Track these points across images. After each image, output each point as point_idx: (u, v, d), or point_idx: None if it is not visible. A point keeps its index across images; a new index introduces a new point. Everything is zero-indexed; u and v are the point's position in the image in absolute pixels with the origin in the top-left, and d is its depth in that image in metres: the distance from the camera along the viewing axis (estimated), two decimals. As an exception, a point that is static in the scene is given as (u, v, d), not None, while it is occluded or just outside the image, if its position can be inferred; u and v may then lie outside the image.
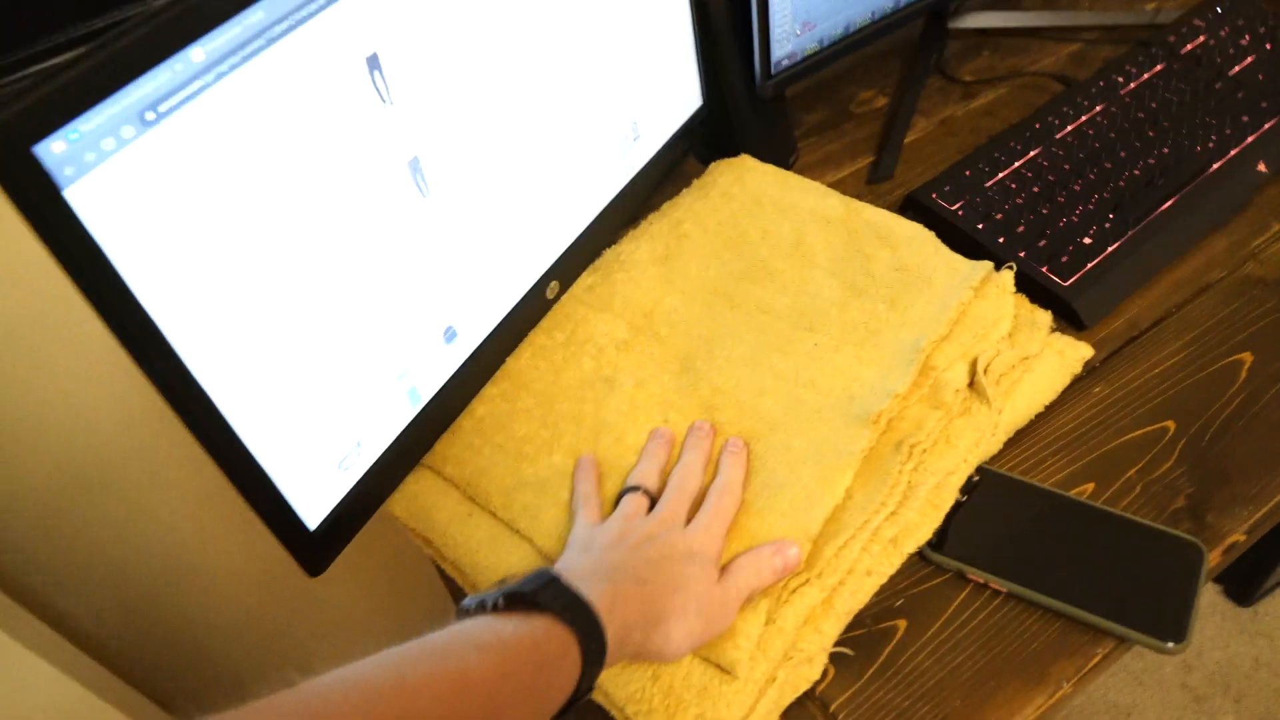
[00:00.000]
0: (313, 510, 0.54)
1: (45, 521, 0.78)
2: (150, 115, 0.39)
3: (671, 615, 0.48)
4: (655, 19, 0.71)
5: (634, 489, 0.57)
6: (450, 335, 0.61)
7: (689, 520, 0.55)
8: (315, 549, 0.55)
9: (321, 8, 0.45)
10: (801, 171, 0.83)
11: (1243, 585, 1.33)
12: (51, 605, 0.83)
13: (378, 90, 0.50)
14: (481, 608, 0.43)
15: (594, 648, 0.42)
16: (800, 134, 0.88)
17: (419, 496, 0.61)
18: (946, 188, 0.76)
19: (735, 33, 0.75)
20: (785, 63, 0.77)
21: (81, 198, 0.38)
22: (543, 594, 0.43)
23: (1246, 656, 1.28)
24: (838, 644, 0.55)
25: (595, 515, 0.56)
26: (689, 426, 0.61)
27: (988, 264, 0.66)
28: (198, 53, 0.40)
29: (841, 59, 0.82)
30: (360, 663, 0.37)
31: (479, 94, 0.57)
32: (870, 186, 0.82)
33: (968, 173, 0.77)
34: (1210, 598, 1.35)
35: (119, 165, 0.39)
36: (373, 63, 0.49)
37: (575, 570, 0.47)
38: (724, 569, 0.52)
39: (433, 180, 0.55)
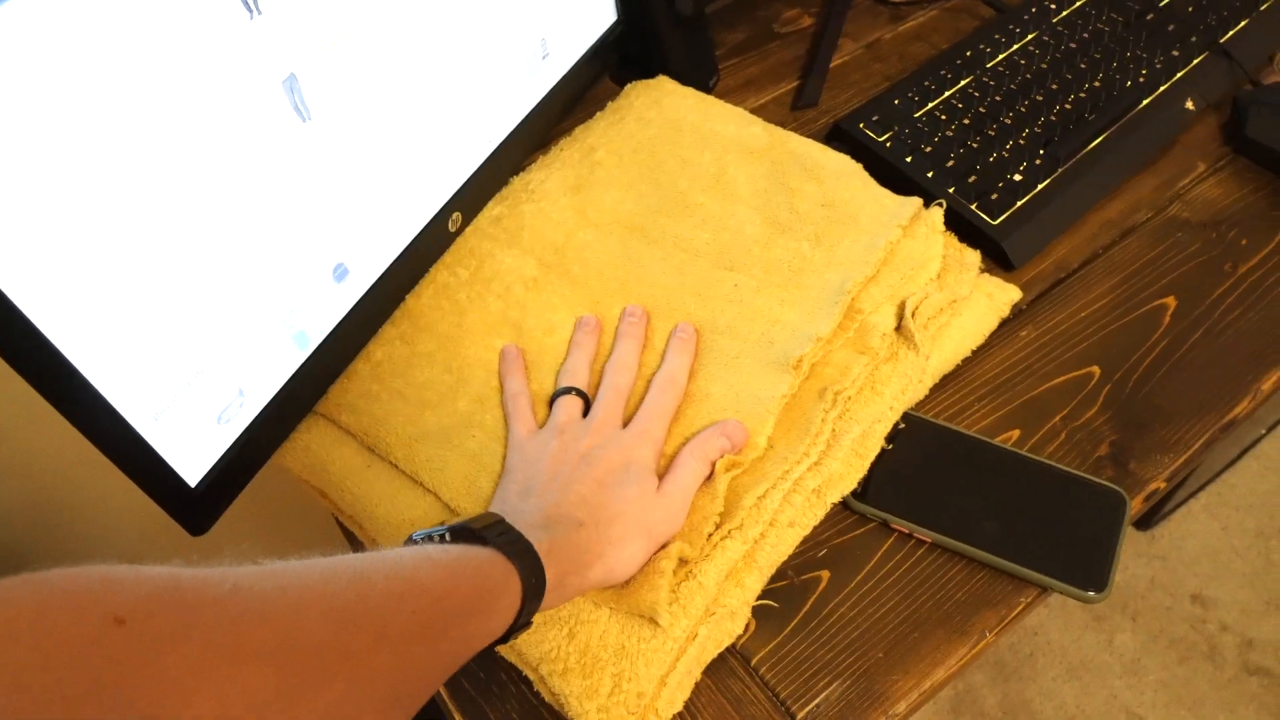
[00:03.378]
0: (192, 466, 0.49)
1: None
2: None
3: (610, 547, 0.47)
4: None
5: (566, 391, 0.55)
6: (341, 273, 0.55)
7: (627, 420, 0.53)
8: (197, 507, 0.50)
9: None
10: (722, 96, 0.78)
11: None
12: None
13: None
14: (429, 539, 0.43)
15: (534, 582, 0.42)
16: (721, 54, 0.82)
17: (312, 447, 0.56)
18: (875, 117, 0.72)
19: (655, -59, 0.69)
20: (707, -26, 0.71)
21: None
22: (488, 531, 0.43)
23: (1143, 578, 1.33)
24: (760, 597, 0.52)
25: (529, 419, 0.55)
26: (620, 312, 0.59)
27: (917, 200, 0.63)
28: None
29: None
30: (310, 560, 0.35)
31: (364, 2, 0.51)
32: (795, 113, 0.78)
33: (896, 101, 0.73)
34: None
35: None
36: (239, -42, 0.42)
37: (514, 517, 0.47)
38: (666, 470, 0.51)
39: (313, 102, 0.49)
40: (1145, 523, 1.36)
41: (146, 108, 0.40)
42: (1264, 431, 1.32)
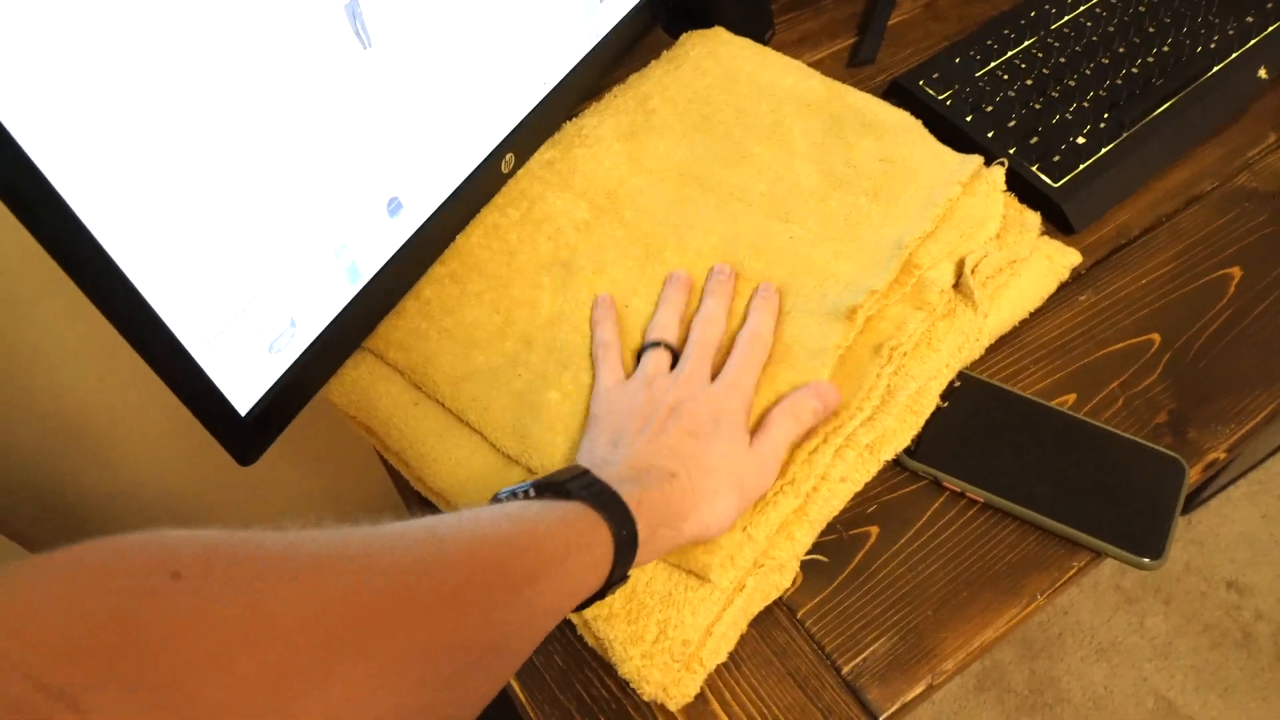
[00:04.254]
0: (243, 395, 0.49)
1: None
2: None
3: (704, 501, 0.46)
4: None
5: (655, 344, 0.54)
6: (395, 207, 0.54)
7: (715, 374, 0.52)
8: (246, 437, 0.50)
9: None
10: (777, 49, 0.77)
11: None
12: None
13: (314, -94, 0.42)
14: (513, 496, 0.42)
15: (625, 535, 0.41)
16: (776, 9, 0.81)
17: (360, 383, 0.56)
18: (935, 75, 0.70)
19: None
20: (771, -76, 0.69)
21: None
22: (574, 484, 0.42)
23: (1178, 561, 1.31)
24: (809, 551, 0.52)
25: (617, 369, 0.54)
26: (709, 270, 0.58)
27: (978, 158, 0.62)
28: None
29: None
30: (386, 524, 0.34)
31: (433, -74, 0.50)
32: (851, 71, 0.76)
33: (958, 60, 0.71)
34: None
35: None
36: None
37: (602, 468, 0.46)
38: (758, 427, 0.50)
39: (374, 29, 0.48)
40: (1184, 506, 1.34)
41: (207, 26, 0.40)
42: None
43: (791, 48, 0.78)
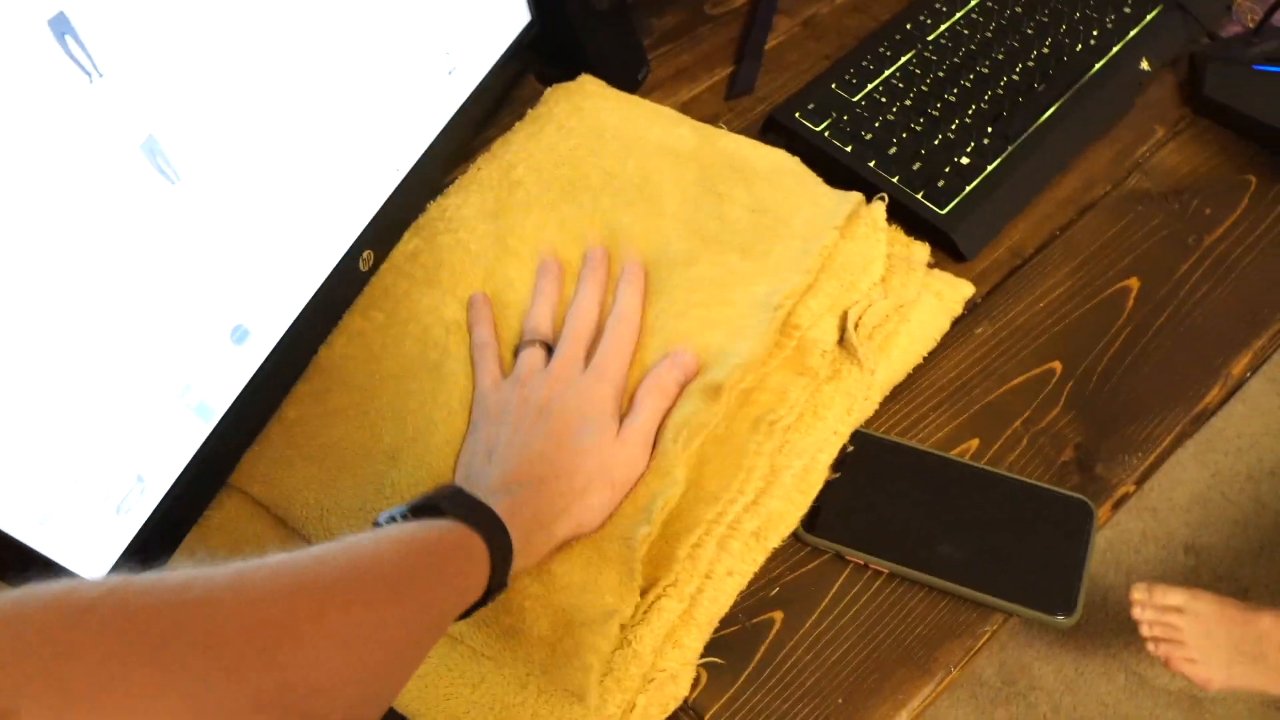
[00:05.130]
0: (90, 564, 0.46)
1: None
2: None
3: (575, 500, 0.48)
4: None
5: (530, 343, 0.55)
6: (241, 335, 0.51)
7: (589, 359, 0.54)
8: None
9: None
10: (653, 87, 0.74)
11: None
12: None
13: (75, 61, 0.39)
14: (391, 520, 0.44)
15: (499, 545, 0.43)
16: (651, 43, 0.78)
17: (225, 526, 0.53)
18: (810, 105, 0.67)
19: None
20: (622, -33, 0.66)
21: None
22: (445, 502, 0.43)
23: (1135, 531, 1.31)
24: (710, 643, 0.49)
25: (494, 370, 0.55)
26: (582, 254, 0.60)
27: (856, 195, 0.59)
28: None
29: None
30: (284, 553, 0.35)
31: (226, 42, 0.46)
32: (730, 103, 0.73)
33: (834, 85, 0.69)
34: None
35: None
36: (59, 25, 0.38)
37: (475, 481, 0.49)
38: (626, 412, 0.52)
39: (179, 163, 0.45)
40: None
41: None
42: (1249, 374, 1.29)
43: (668, 84, 0.75)
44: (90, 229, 0.41)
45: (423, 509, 0.43)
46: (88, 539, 0.45)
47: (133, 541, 0.47)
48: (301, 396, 0.55)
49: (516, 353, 0.55)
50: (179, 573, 0.32)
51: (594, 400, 0.52)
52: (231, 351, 0.51)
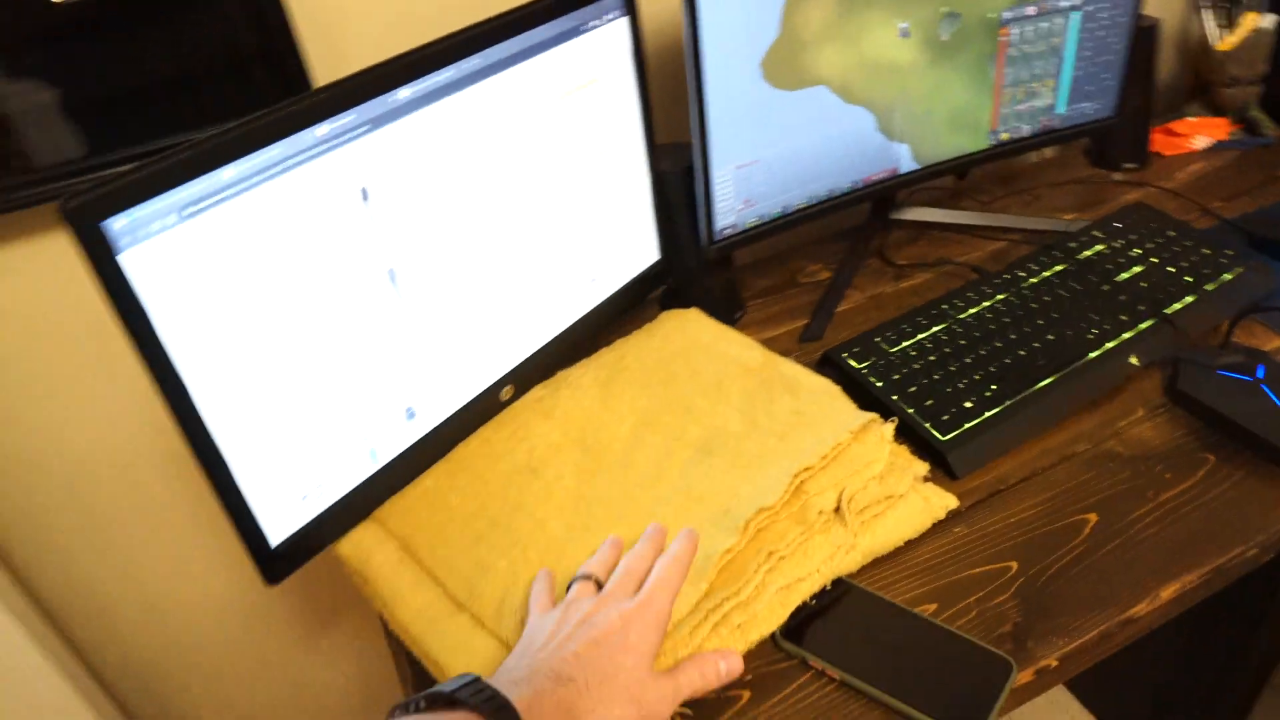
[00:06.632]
0: (277, 530, 0.67)
1: (56, 540, 0.91)
2: (188, 211, 0.55)
3: (600, 705, 0.50)
4: (619, 185, 0.87)
5: (583, 577, 0.62)
6: (410, 414, 0.74)
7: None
8: (275, 563, 0.68)
9: (325, 150, 0.62)
10: (745, 326, 0.98)
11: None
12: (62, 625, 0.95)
13: (365, 213, 0.66)
14: (405, 709, 0.47)
15: None
16: (751, 295, 1.02)
17: (364, 542, 0.73)
18: (857, 349, 0.89)
19: (688, 202, 0.91)
20: (727, 231, 0.92)
21: (131, 262, 0.53)
22: (461, 692, 0.46)
23: None
24: (683, 706, 0.64)
25: (548, 598, 0.63)
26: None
27: (872, 415, 0.78)
28: (229, 171, 0.56)
29: (794, 235, 0.97)
30: None
31: (453, 229, 0.73)
32: (801, 344, 0.95)
33: (877, 339, 0.90)
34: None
35: (160, 243, 0.54)
36: (364, 194, 0.65)
37: (502, 675, 0.52)
38: (673, 667, 0.58)
39: (406, 288, 0.70)
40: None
41: (292, 284, 0.62)
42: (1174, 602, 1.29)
43: (758, 325, 0.99)
44: (342, 318, 0.67)
45: (438, 698, 0.46)
46: (281, 511, 0.67)
47: (309, 523, 0.69)
48: (438, 471, 0.77)
49: (569, 586, 0.62)
50: None
51: (639, 621, 0.55)
52: (403, 424, 0.74)
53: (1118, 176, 1.22)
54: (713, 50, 0.83)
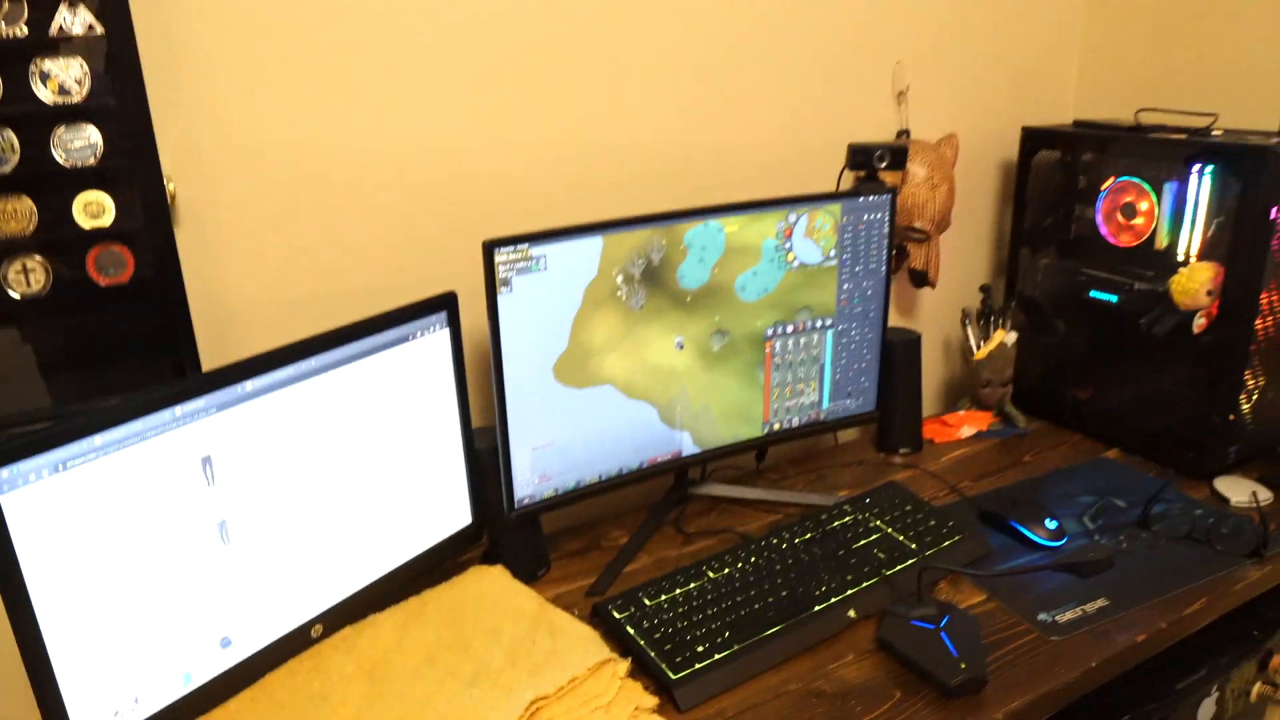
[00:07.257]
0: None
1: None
2: (61, 467, 0.76)
3: None
4: (436, 461, 1.09)
5: None
6: (226, 643, 0.92)
7: None
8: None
9: (178, 425, 0.84)
10: (546, 582, 1.16)
11: None
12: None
13: (206, 476, 0.87)
14: None
15: None
16: (559, 555, 1.21)
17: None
18: (620, 601, 1.07)
19: (498, 476, 1.13)
20: (525, 501, 1.13)
21: (7, 504, 0.74)
22: None
23: None
24: None
25: None
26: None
27: (610, 654, 0.96)
28: (97, 439, 0.78)
29: (604, 503, 1.18)
30: None
31: (283, 490, 0.94)
32: (587, 597, 1.14)
33: (641, 594, 1.08)
34: None
35: (32, 491, 0.75)
36: (206, 461, 0.87)
37: None
38: None
39: (235, 537, 0.90)
40: None
41: (137, 528, 0.82)
42: None
43: (556, 581, 1.17)
44: (172, 556, 0.86)
45: None
46: (94, 730, 0.83)
47: (116, 740, 0.84)
48: (242, 696, 0.93)
49: None
50: None
51: None
52: (218, 651, 0.91)
53: (896, 460, 1.45)
54: (511, 356, 1.08)
